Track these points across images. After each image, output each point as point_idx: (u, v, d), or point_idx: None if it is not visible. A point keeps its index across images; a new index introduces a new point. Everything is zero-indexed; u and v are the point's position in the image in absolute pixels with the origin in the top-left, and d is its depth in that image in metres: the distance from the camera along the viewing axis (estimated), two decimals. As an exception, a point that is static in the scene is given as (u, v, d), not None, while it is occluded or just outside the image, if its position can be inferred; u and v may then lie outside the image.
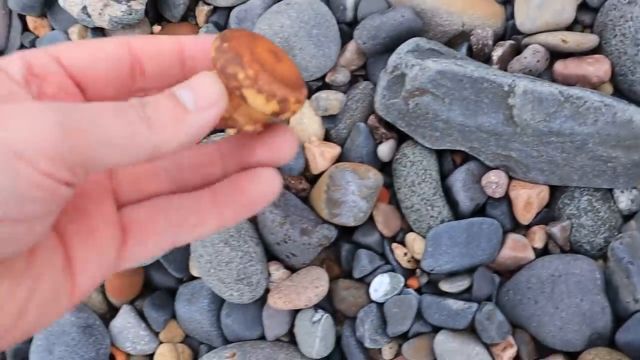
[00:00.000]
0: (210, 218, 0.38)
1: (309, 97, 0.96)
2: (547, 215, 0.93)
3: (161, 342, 1.04)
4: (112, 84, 0.36)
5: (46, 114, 0.28)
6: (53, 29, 1.05)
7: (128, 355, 1.05)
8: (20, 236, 0.29)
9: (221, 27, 1.00)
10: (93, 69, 0.35)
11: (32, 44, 1.05)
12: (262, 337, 0.99)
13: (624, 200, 0.91)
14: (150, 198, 0.39)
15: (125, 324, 1.03)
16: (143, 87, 0.37)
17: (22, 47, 1.05)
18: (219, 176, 0.39)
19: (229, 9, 1.00)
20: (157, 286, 1.05)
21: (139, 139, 0.30)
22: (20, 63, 0.33)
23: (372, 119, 0.95)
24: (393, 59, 0.90)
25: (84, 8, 0.95)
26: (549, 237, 0.92)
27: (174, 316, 1.04)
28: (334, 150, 0.95)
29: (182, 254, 1.00)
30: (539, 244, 0.92)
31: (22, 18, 1.06)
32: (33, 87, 0.33)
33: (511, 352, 0.89)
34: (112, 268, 0.36)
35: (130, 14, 0.95)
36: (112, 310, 1.06)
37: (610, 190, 0.91)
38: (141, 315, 1.04)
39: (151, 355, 1.05)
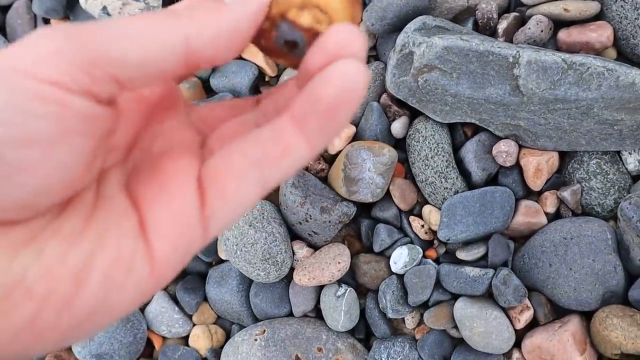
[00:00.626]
0: (296, 142, 0.30)
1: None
2: (558, 180, 0.96)
3: (194, 324, 1.09)
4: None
5: (47, 30, 0.26)
6: (74, 30, 1.09)
7: (164, 338, 1.10)
8: (38, 163, 0.25)
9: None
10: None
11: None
12: (290, 314, 1.04)
13: (632, 162, 0.93)
14: None
15: (160, 308, 1.08)
16: None
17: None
18: None
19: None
20: (188, 271, 1.10)
21: (162, 26, 0.27)
22: None
23: (384, 98, 0.98)
24: (401, 38, 0.93)
25: (104, 8, 0.99)
26: (561, 201, 0.95)
27: (205, 299, 1.08)
28: (349, 129, 0.98)
29: (209, 238, 1.04)
30: (551, 208, 0.95)
31: (46, 21, 1.10)
32: None
33: (528, 314, 0.92)
34: (197, 233, 0.30)
35: (149, 11, 0.99)
36: (146, 296, 1.11)
37: (618, 152, 0.94)
38: (174, 299, 1.09)
39: (186, 338, 1.09)
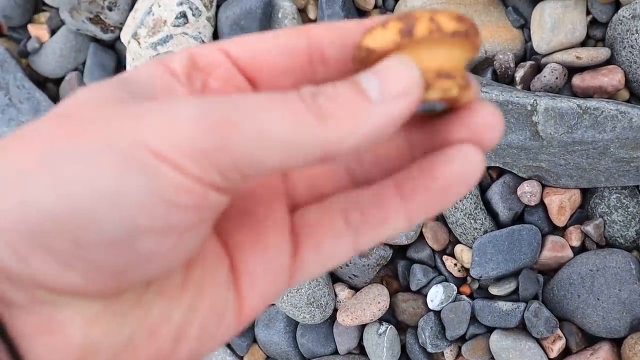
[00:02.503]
0: (397, 212, 0.29)
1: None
2: (581, 215, 1.02)
3: (246, 365, 1.16)
4: (288, 75, 0.30)
5: (186, 107, 0.24)
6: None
7: (217, 379, 1.17)
8: (169, 251, 0.25)
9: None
10: (265, 61, 0.30)
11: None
12: (335, 352, 1.10)
13: (649, 196, 0.99)
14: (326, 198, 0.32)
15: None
16: (326, 78, 0.30)
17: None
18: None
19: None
20: (237, 315, 1.17)
21: (304, 134, 0.25)
22: (184, 57, 0.29)
23: (412, 146, 1.05)
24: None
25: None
26: (585, 235, 1.01)
27: (255, 340, 1.15)
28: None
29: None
30: (576, 242, 1.01)
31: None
32: (196, 82, 0.29)
33: (560, 343, 0.98)
34: (284, 282, 0.30)
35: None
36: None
37: (637, 186, 1.00)
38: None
39: (238, 377, 1.17)
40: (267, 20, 1.07)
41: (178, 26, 1.06)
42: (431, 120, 0.31)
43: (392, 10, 1.10)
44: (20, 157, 0.23)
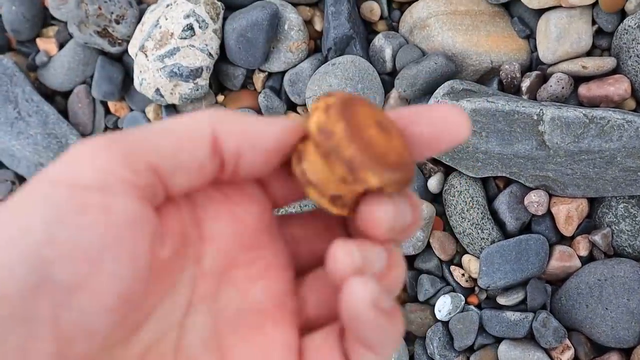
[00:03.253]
0: None
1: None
2: (589, 224, 1.02)
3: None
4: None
5: (83, 142, 0.27)
6: (132, 110, 1.19)
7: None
8: (88, 281, 0.24)
9: (277, 90, 1.13)
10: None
11: (115, 125, 1.20)
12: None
13: (657, 205, 0.99)
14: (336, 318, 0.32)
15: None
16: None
17: (106, 129, 1.20)
18: None
19: (282, 73, 1.13)
20: None
21: (192, 119, 0.29)
22: None
23: (419, 157, 1.05)
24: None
25: (157, 90, 1.08)
26: (593, 245, 1.01)
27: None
28: (388, 188, 1.06)
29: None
30: (584, 252, 1.01)
31: (104, 104, 1.20)
32: None
33: (569, 353, 0.98)
34: None
35: (198, 90, 1.08)
36: None
37: (644, 196, 1.00)
38: None
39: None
40: (273, 32, 1.07)
41: (185, 38, 1.06)
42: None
43: (397, 22, 1.11)
44: None
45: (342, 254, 0.28)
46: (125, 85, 1.17)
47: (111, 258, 0.24)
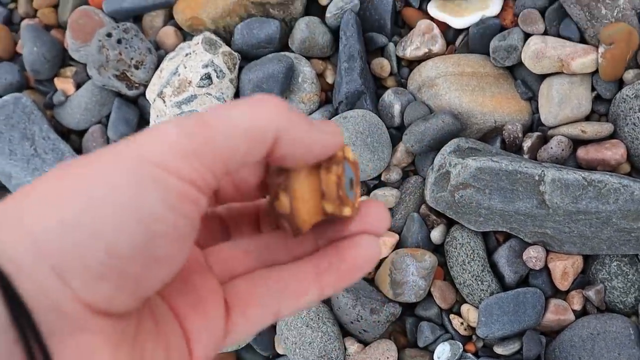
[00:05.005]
0: (312, 287, 0.36)
1: (367, 194, 1.13)
2: (583, 280, 1.07)
3: (254, 413, 1.19)
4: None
5: (165, 125, 0.29)
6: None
7: None
8: (175, 255, 0.29)
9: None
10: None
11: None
12: (343, 403, 1.14)
13: (648, 264, 1.05)
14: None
15: (222, 399, 1.19)
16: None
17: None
18: (310, 253, 0.38)
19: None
20: (246, 363, 1.21)
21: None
22: None
23: (423, 208, 1.11)
24: (438, 159, 1.06)
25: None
26: (586, 299, 1.06)
27: (263, 389, 1.19)
28: (393, 238, 1.11)
29: (267, 335, 1.16)
30: (578, 306, 1.06)
31: (117, 144, 1.24)
32: None
33: (562, 404, 1.03)
34: (221, 341, 0.35)
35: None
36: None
37: (637, 255, 1.05)
38: (235, 390, 1.19)
39: None
40: (287, 84, 1.12)
41: (202, 87, 1.11)
42: (332, 220, 0.38)
43: (406, 79, 1.16)
44: (57, 184, 0.28)
45: None
46: (140, 127, 1.21)
47: (188, 243, 0.30)
